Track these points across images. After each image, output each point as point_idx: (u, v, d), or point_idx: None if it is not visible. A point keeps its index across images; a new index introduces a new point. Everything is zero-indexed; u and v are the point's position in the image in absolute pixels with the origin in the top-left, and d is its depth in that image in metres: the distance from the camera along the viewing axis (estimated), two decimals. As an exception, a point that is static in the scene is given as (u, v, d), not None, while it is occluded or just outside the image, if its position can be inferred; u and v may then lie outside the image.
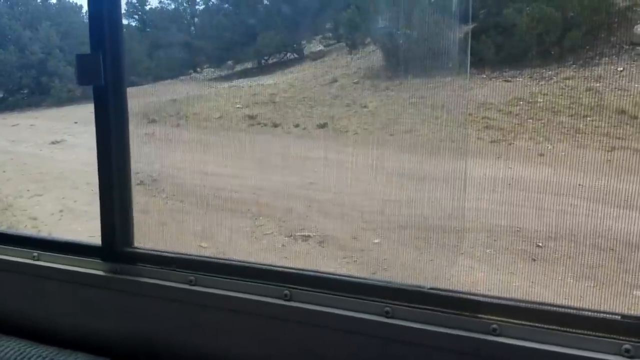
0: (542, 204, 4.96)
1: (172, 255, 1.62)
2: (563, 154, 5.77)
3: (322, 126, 7.45)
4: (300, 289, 1.43)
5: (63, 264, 1.74)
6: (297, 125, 7.69)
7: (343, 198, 5.71)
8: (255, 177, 6.31)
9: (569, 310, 1.21)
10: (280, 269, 1.49)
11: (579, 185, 5.09)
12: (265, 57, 11.31)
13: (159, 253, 1.64)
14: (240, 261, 1.55)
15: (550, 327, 1.21)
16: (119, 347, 1.65)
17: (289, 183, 6.12)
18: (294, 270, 1.48)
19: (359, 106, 7.74)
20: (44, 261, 1.77)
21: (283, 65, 10.93)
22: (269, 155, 6.90)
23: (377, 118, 7.32)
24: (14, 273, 1.82)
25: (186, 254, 1.62)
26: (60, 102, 12.66)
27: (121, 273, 1.64)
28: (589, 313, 1.19)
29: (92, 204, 6.65)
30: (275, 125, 7.86)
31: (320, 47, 10.74)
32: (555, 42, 7.05)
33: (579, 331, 1.18)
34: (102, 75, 1.57)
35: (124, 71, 1.61)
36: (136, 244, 1.69)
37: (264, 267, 1.52)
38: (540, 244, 4.46)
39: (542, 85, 6.88)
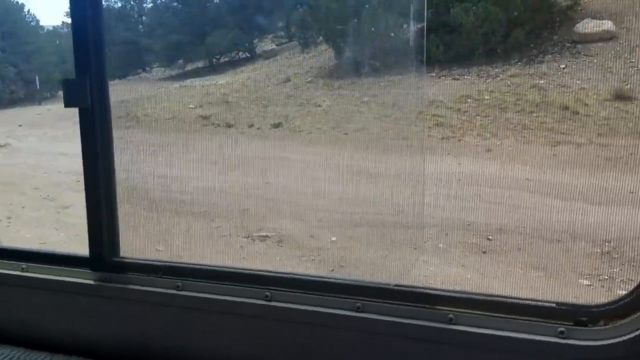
0: (491, 198, 5.13)
1: (159, 263, 1.70)
2: (510, 149, 5.98)
3: (277, 126, 7.46)
4: (279, 290, 1.55)
5: (52, 275, 1.78)
6: (251, 125, 7.67)
7: (299, 197, 5.74)
8: (210, 179, 6.26)
9: (514, 300, 1.38)
10: (260, 273, 1.62)
11: (526, 179, 5.28)
12: (217, 56, 11.22)
13: (146, 262, 1.71)
14: (223, 266, 1.67)
15: (499, 315, 1.37)
16: (110, 351, 1.72)
17: (244, 183, 6.10)
18: (273, 273, 1.61)
19: (312, 105, 7.79)
20: (33, 272, 1.81)
21: (235, 64, 10.87)
22: (223, 156, 6.85)
23: (331, 117, 7.38)
24: (3, 285, 1.86)
25: (172, 262, 1.71)
26: (2, 104, 12.21)
27: (110, 281, 1.71)
28: (531, 302, 1.37)
29: (40, 209, 6.46)
30: (229, 126, 7.82)
31: (273, 46, 10.73)
32: (501, 41, 7.28)
33: (523, 317, 1.35)
34: (89, 98, 1.64)
35: (108, 92, 1.68)
36: (122, 253, 1.75)
37: (246, 271, 1.64)
38: (490, 237, 4.61)
39: (488, 82, 7.09)
